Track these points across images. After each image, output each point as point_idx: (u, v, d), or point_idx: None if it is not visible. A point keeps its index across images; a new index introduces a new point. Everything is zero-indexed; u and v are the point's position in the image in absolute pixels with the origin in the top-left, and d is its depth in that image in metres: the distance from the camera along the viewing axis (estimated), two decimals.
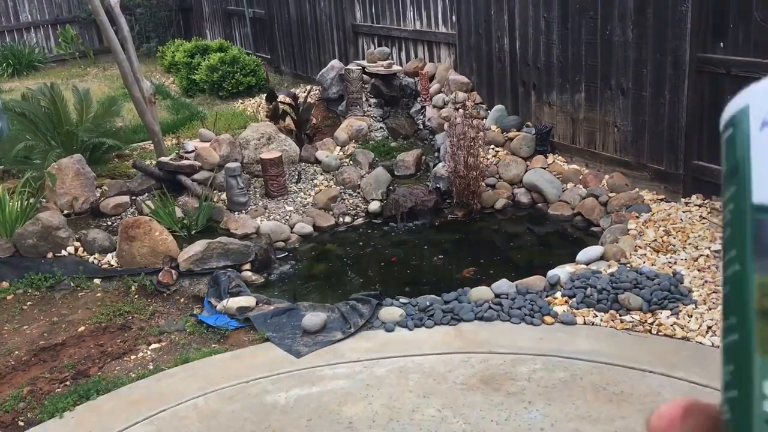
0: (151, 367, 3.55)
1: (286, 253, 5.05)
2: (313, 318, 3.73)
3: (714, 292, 3.62)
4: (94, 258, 4.76)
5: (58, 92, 6.39)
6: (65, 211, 5.26)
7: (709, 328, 3.36)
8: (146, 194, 5.56)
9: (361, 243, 5.23)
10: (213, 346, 3.71)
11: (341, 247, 5.20)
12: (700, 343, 3.29)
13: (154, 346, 3.78)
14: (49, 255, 4.76)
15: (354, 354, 3.48)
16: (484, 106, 6.45)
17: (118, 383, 3.39)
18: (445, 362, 3.34)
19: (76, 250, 4.83)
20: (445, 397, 3.06)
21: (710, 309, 3.49)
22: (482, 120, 6.01)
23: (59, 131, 6.18)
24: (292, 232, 5.22)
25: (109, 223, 5.27)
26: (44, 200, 5.35)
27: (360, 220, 5.51)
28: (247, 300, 4.01)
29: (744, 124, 0.38)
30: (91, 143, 6.20)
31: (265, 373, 3.36)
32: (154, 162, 5.97)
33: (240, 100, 8.90)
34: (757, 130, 0.37)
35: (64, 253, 4.79)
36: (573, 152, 5.64)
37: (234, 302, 3.98)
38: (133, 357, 3.69)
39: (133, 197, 5.54)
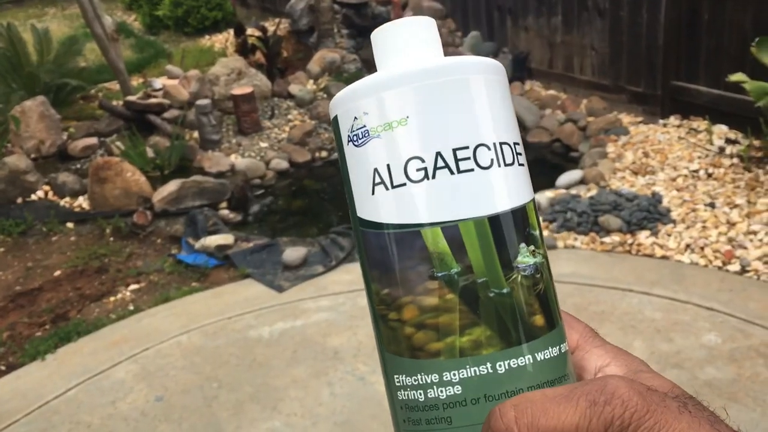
0: (132, 308, 3.51)
1: (263, 190, 4.98)
2: (293, 253, 3.70)
3: (693, 210, 3.64)
4: (65, 201, 4.65)
5: (16, 33, 6.12)
6: (32, 155, 5.11)
7: (688, 246, 3.39)
8: (115, 135, 5.41)
9: (338, 177, 5.16)
10: (193, 284, 3.67)
11: (319, 182, 5.13)
12: (679, 261, 3.32)
13: (133, 287, 3.73)
14: (19, 200, 4.64)
15: (336, 286, 3.47)
16: (459, 33, 6.31)
17: (99, 325, 3.35)
18: None
19: (46, 194, 4.72)
20: None
21: (688, 227, 3.51)
22: (457, 48, 5.89)
23: (20, 73, 5.95)
24: (268, 169, 5.13)
25: (78, 165, 5.13)
26: (9, 144, 5.18)
27: (336, 155, 5.43)
28: (225, 238, 3.96)
29: (337, 135, 0.41)
30: (55, 85, 5.99)
31: (247, 308, 3.34)
32: (121, 102, 5.78)
33: (207, 36, 8.62)
34: (347, 144, 0.40)
35: (33, 197, 4.67)
36: (550, 77, 5.56)
37: (212, 240, 3.92)
38: (112, 299, 3.64)
39: (102, 138, 5.39)
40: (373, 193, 0.39)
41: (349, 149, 0.40)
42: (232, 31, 7.51)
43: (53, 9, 11.63)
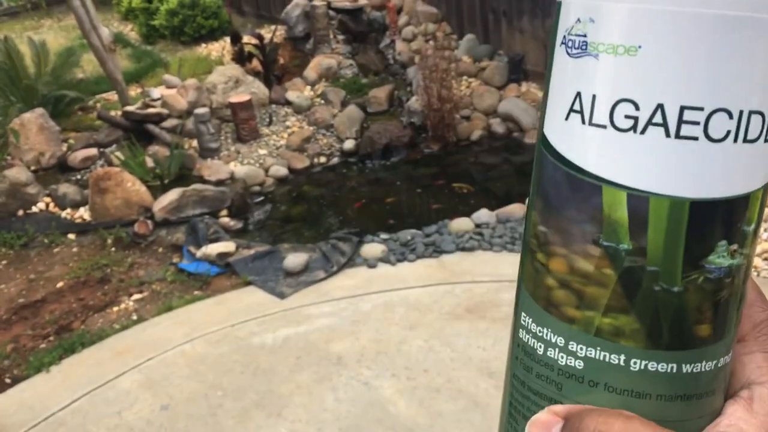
0: (135, 318, 3.53)
1: (263, 197, 4.99)
2: (294, 259, 3.71)
3: None
4: (67, 213, 4.67)
5: (13, 45, 6.14)
6: (32, 167, 5.12)
7: None
8: (114, 145, 5.43)
9: (337, 183, 5.18)
10: (195, 293, 3.69)
11: (318, 187, 5.15)
12: None
13: (135, 297, 3.75)
14: (20, 213, 4.66)
15: (338, 292, 3.48)
16: (454, 36, 6.33)
17: (103, 335, 3.36)
18: (430, 294, 3.36)
19: (47, 205, 4.73)
20: (431, 328, 3.09)
21: None
22: (453, 51, 5.91)
23: (18, 86, 5.97)
24: (267, 176, 5.14)
25: (79, 176, 5.15)
26: (9, 157, 5.20)
27: (335, 160, 5.45)
28: (226, 245, 3.97)
29: (554, 25, 0.33)
30: (53, 96, 6.01)
31: (250, 315, 3.35)
32: (119, 112, 5.80)
33: (203, 45, 8.64)
34: (559, 46, 0.33)
35: (35, 209, 4.68)
36: None
37: (213, 248, 3.94)
38: (115, 309, 3.65)
39: (101, 149, 5.41)
40: (566, 118, 0.32)
41: (559, 53, 0.32)
42: (228, 40, 7.53)
43: (49, 21, 11.65)
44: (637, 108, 0.30)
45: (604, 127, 0.30)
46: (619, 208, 0.31)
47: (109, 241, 4.33)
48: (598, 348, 0.32)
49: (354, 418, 2.58)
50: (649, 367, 0.32)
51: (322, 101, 6.00)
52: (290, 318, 3.30)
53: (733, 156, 0.30)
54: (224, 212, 4.56)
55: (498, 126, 5.41)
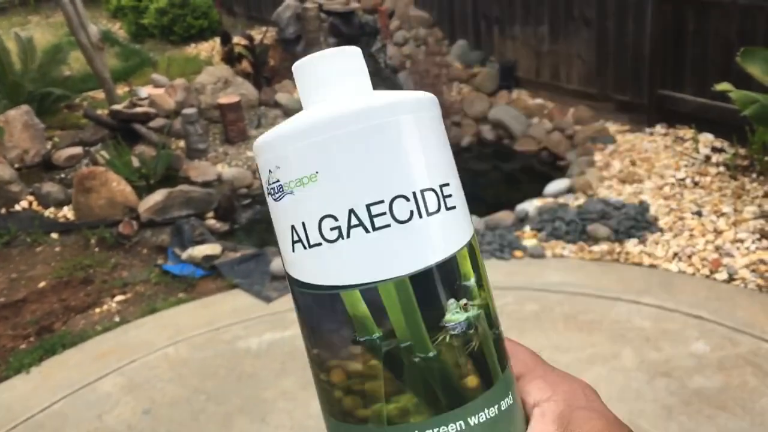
0: (118, 320, 3.47)
1: (250, 200, 4.95)
2: (281, 262, 3.67)
3: (680, 219, 3.66)
4: (50, 212, 4.60)
5: None
6: (16, 165, 5.05)
7: (675, 254, 3.40)
8: (100, 144, 5.36)
9: None
10: (180, 295, 3.63)
11: None
12: (667, 269, 3.33)
13: (118, 298, 3.69)
14: (2, 211, 4.59)
15: None
16: (446, 42, 6.32)
17: (85, 336, 3.31)
18: None
19: (30, 204, 4.66)
20: None
21: (676, 236, 3.53)
22: (445, 56, 5.90)
23: (3, 82, 5.89)
24: (255, 178, 5.10)
25: (63, 175, 5.08)
26: None
27: None
28: (212, 248, 3.93)
29: (262, 186, 0.39)
30: (39, 94, 5.93)
31: (235, 319, 3.31)
32: (106, 111, 5.74)
33: (193, 45, 8.58)
34: (267, 197, 0.38)
35: (17, 207, 4.61)
36: (537, 86, 5.59)
37: (199, 251, 3.89)
38: (97, 310, 3.59)
39: (87, 148, 5.34)
40: (293, 251, 0.37)
41: (269, 203, 0.38)
42: (218, 40, 7.48)
43: (37, 17, 11.53)
44: (336, 219, 0.35)
45: (320, 244, 0.36)
46: (359, 305, 0.35)
47: (93, 241, 4.27)
48: None
49: None
50: None
51: None
52: (276, 322, 3.26)
53: (424, 229, 0.35)
54: (211, 214, 4.52)
55: (488, 132, 5.40)
